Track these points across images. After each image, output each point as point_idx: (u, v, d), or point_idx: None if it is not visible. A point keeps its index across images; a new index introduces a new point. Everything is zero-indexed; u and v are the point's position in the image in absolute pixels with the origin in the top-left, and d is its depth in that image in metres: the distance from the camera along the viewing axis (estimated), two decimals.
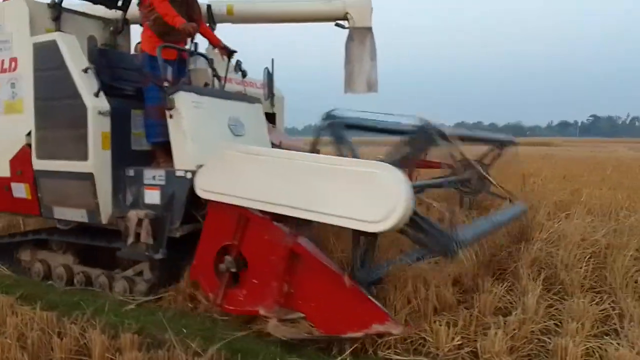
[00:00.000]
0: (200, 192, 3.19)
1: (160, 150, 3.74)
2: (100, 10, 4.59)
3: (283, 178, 2.86)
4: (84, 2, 4.39)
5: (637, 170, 10.33)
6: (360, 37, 4.51)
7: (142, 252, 3.39)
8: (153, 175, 3.49)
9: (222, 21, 4.90)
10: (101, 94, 3.52)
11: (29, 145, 3.83)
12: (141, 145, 3.80)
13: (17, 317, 2.85)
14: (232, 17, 4.87)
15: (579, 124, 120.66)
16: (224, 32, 4.65)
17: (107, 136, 3.55)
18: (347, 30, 4.59)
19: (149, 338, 2.72)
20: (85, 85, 3.51)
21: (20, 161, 3.87)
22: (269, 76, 5.02)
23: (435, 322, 2.69)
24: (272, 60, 4.97)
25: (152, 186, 3.48)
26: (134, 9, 4.39)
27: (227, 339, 2.70)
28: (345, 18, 4.57)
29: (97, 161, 3.51)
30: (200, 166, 3.24)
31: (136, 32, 4.68)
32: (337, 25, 4.65)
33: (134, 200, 3.56)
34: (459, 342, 2.59)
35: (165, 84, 3.47)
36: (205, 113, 3.59)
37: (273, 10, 4.88)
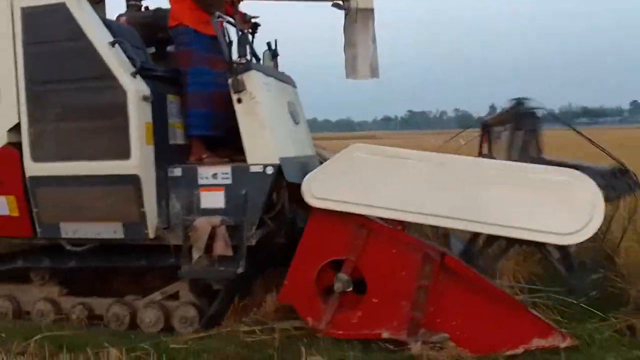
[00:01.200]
0: (313, 201, 2.65)
1: (199, 144, 3.10)
2: None
3: (445, 186, 2.49)
4: None
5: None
6: (363, 19, 4.23)
7: (216, 268, 2.76)
8: (213, 173, 2.86)
9: None
10: (138, 76, 2.78)
11: (15, 144, 2.90)
12: (176, 139, 3.08)
13: None
14: None
15: (399, 118, 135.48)
16: None
17: (150, 128, 2.81)
18: (342, 14, 4.18)
19: None
20: (120, 63, 2.75)
21: None
22: (274, 57, 4.53)
23: None
24: (275, 41, 4.37)
25: (212, 187, 2.86)
26: None
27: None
28: None
29: (143, 159, 2.75)
30: (284, 159, 2.80)
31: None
32: (335, 5, 4.28)
33: (183, 205, 2.87)
34: None
35: (243, 61, 2.82)
36: (273, 97, 3.08)
37: None
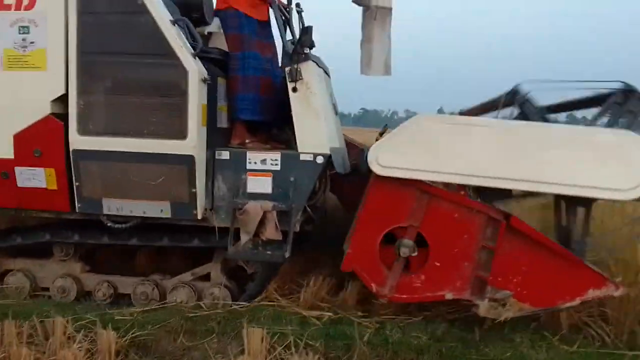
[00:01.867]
0: (380, 169, 2.76)
1: (243, 128, 3.23)
2: None
3: (506, 149, 2.67)
4: None
5: None
6: (381, 17, 4.24)
7: (262, 251, 2.92)
8: (262, 158, 2.96)
9: None
10: (200, 61, 2.84)
11: (59, 115, 2.88)
12: (222, 122, 3.18)
13: None
14: None
15: (352, 115, 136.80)
16: None
17: (206, 109, 2.88)
18: (360, 10, 4.19)
19: None
20: (182, 42, 2.79)
21: (39, 137, 2.89)
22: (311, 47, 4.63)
23: None
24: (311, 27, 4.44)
25: (260, 172, 2.96)
26: None
27: None
28: None
29: (199, 140, 2.82)
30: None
31: None
32: (355, 1, 4.30)
33: (229, 189, 2.97)
34: None
35: (307, 50, 2.93)
36: (323, 88, 3.19)
37: None
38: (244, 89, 3.17)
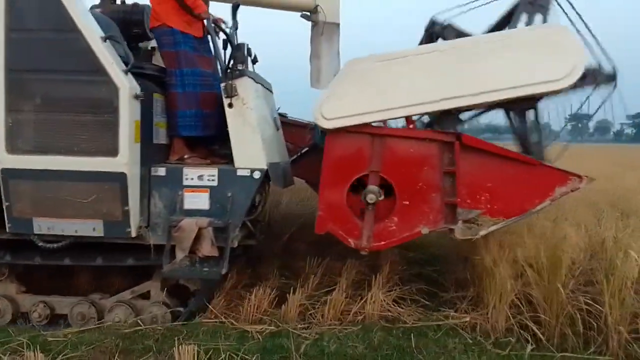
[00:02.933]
0: (326, 123, 2.80)
1: (182, 143, 3.24)
2: None
3: (443, 70, 2.71)
4: None
5: None
6: (329, 32, 4.47)
7: (198, 268, 2.91)
8: (199, 174, 2.97)
9: None
10: (129, 74, 2.84)
11: None
12: (159, 138, 3.19)
13: None
14: None
15: None
16: None
17: (139, 126, 2.88)
18: (309, 24, 4.50)
19: None
20: (113, 58, 2.79)
21: None
22: (254, 62, 4.58)
23: None
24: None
25: (197, 188, 2.96)
26: None
27: None
28: (314, 11, 4.48)
29: (131, 157, 2.81)
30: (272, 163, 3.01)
31: None
32: (303, 16, 4.58)
33: (166, 205, 2.97)
34: None
35: (240, 67, 2.97)
36: (261, 103, 3.23)
37: None
38: (184, 106, 3.18)
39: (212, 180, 2.97)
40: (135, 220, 2.88)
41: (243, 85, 2.98)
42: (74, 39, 2.75)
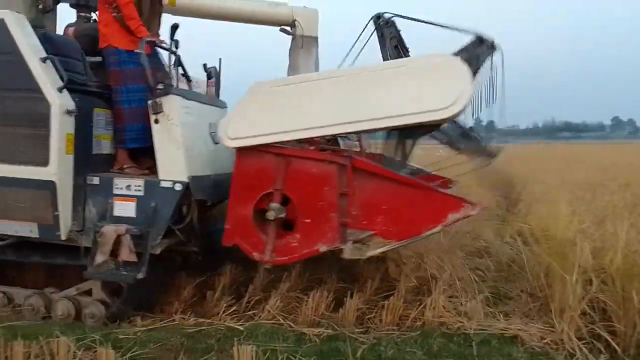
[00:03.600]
0: (230, 142, 2.96)
1: (124, 154, 3.47)
2: None
3: (338, 97, 2.79)
4: None
5: None
6: (307, 46, 4.61)
7: (119, 272, 3.08)
8: (127, 184, 3.18)
9: (163, 12, 4.45)
10: (64, 90, 3.09)
11: None
12: (101, 149, 3.44)
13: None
14: (173, 9, 4.66)
15: None
16: None
17: (72, 139, 3.12)
18: (289, 38, 4.66)
19: None
20: (48, 77, 3.05)
21: None
22: (217, 76, 4.72)
23: None
24: (220, 59, 4.75)
25: (125, 197, 3.17)
26: None
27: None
28: (292, 25, 4.62)
29: (61, 168, 3.06)
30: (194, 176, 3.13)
31: (65, 12, 4.24)
32: (282, 30, 4.71)
33: (98, 212, 3.19)
34: None
35: (160, 86, 3.17)
36: (193, 119, 3.36)
37: (216, 7, 4.75)
38: (131, 120, 3.38)
39: (139, 190, 3.15)
40: (65, 224, 3.11)
41: (169, 102, 3.13)
42: (15, 60, 3.05)
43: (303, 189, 2.88)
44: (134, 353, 2.70)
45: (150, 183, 3.15)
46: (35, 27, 3.62)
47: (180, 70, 3.78)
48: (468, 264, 4.08)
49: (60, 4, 4.15)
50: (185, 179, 3.10)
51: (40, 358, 2.58)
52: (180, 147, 3.12)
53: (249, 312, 3.36)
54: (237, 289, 3.71)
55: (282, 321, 3.08)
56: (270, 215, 2.88)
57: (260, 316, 3.20)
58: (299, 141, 2.98)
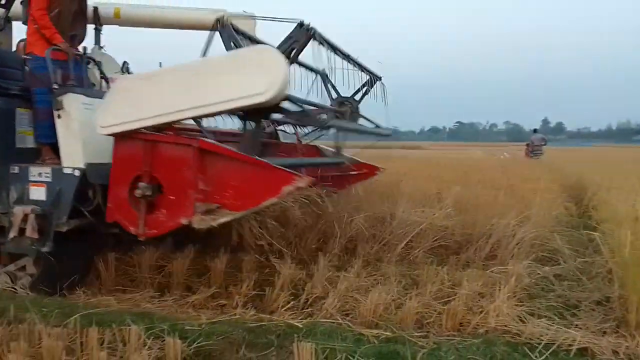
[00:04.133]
0: (101, 130, 3.36)
1: (47, 148, 3.89)
2: None
3: (176, 88, 3.21)
4: None
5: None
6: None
7: (28, 246, 3.58)
8: (39, 172, 3.71)
9: (108, 23, 5.32)
10: None
11: None
12: (25, 143, 3.95)
13: None
14: (119, 20, 5.31)
15: (447, 129, 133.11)
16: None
17: None
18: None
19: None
20: None
21: None
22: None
23: None
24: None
25: (38, 183, 3.69)
26: (16, 7, 4.52)
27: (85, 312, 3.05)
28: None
29: None
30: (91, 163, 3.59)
31: (19, 30, 4.78)
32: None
33: (18, 196, 3.72)
34: None
35: (55, 86, 3.69)
36: (94, 114, 3.64)
37: (158, 16, 5.35)
38: (42, 118, 3.82)
39: (48, 177, 3.67)
40: None
41: (68, 100, 3.63)
42: None
43: (166, 170, 3.27)
44: (199, 344, 2.81)
45: (56, 170, 3.66)
46: None
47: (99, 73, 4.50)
48: (535, 271, 3.92)
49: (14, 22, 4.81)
50: (82, 165, 3.58)
51: (113, 344, 2.74)
52: (78, 138, 3.62)
53: (307, 310, 3.42)
54: (295, 286, 3.78)
55: (340, 320, 3.10)
56: (138, 193, 3.27)
57: (318, 314, 3.24)
58: (168, 126, 3.36)
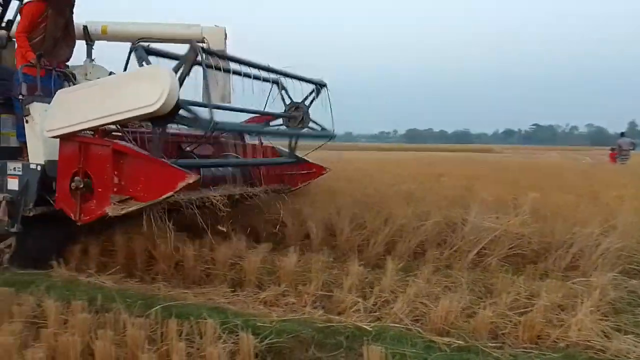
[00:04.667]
0: (46, 133, 4.05)
1: (27, 148, 4.51)
2: None
3: (94, 99, 3.87)
4: None
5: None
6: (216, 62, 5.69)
7: (4, 226, 4.33)
8: (14, 167, 4.47)
9: (98, 39, 6.14)
10: None
11: None
12: (9, 143, 4.88)
13: None
14: (107, 36, 6.09)
15: (522, 132, 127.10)
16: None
17: None
18: None
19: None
20: None
21: None
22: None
23: None
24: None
25: (13, 175, 4.44)
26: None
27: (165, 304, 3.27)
28: (202, 41, 5.73)
29: None
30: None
31: None
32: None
33: (1, 186, 4.46)
34: None
35: (20, 96, 4.46)
36: None
37: (141, 32, 6.04)
38: (19, 121, 4.64)
39: (19, 171, 4.40)
40: None
41: (33, 107, 4.37)
42: None
43: (93, 167, 3.92)
44: (271, 341, 2.89)
45: (25, 165, 4.40)
46: None
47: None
48: (621, 284, 3.66)
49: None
50: (42, 162, 4.28)
51: (191, 336, 2.88)
52: (40, 139, 4.31)
53: (375, 313, 3.39)
54: (362, 288, 3.77)
55: (410, 326, 3.05)
56: (74, 186, 3.94)
57: (386, 318, 3.21)
58: (95, 130, 4.09)
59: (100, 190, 3.89)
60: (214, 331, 2.86)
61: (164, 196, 3.65)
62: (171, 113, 3.72)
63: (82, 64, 5.88)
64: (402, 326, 3.09)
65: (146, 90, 3.60)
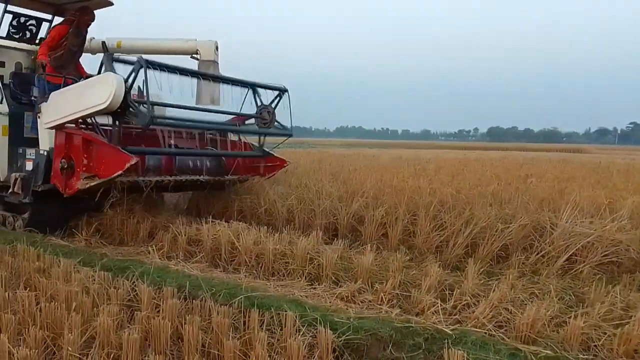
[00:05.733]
0: (45, 125, 5.41)
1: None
2: (25, 44, 7.00)
3: (72, 98, 5.14)
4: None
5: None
6: (205, 66, 6.98)
7: (19, 198, 5.55)
8: (31, 152, 5.72)
9: (114, 52, 6.94)
10: (4, 100, 5.89)
11: None
12: (31, 134, 5.88)
13: (81, 274, 3.71)
14: (121, 49, 7.34)
15: (618, 131, 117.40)
16: None
17: (6, 128, 5.89)
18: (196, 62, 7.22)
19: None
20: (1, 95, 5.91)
21: None
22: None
23: None
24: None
25: (29, 159, 5.72)
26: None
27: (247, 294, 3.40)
28: (196, 53, 7.15)
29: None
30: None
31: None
32: (193, 57, 7.21)
33: (19, 167, 5.83)
34: None
35: (33, 97, 5.99)
36: None
37: (149, 46, 7.46)
38: (34, 117, 5.79)
39: (33, 155, 5.66)
40: (3, 172, 5.91)
41: (43, 106, 5.50)
42: None
43: (74, 151, 5.14)
44: (348, 337, 2.90)
45: (37, 151, 5.59)
46: (29, 69, 6.91)
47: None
48: None
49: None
50: (48, 148, 5.46)
51: (271, 326, 2.98)
52: (45, 132, 5.48)
53: (455, 316, 3.31)
54: (441, 290, 3.68)
55: (492, 331, 2.94)
56: (60, 166, 5.18)
57: (467, 322, 3.12)
58: (75, 122, 5.29)
59: (78, 170, 5.11)
60: (293, 323, 2.93)
61: (116, 173, 4.80)
62: (122, 109, 4.92)
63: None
64: (485, 331, 2.98)
65: (100, 91, 4.85)
